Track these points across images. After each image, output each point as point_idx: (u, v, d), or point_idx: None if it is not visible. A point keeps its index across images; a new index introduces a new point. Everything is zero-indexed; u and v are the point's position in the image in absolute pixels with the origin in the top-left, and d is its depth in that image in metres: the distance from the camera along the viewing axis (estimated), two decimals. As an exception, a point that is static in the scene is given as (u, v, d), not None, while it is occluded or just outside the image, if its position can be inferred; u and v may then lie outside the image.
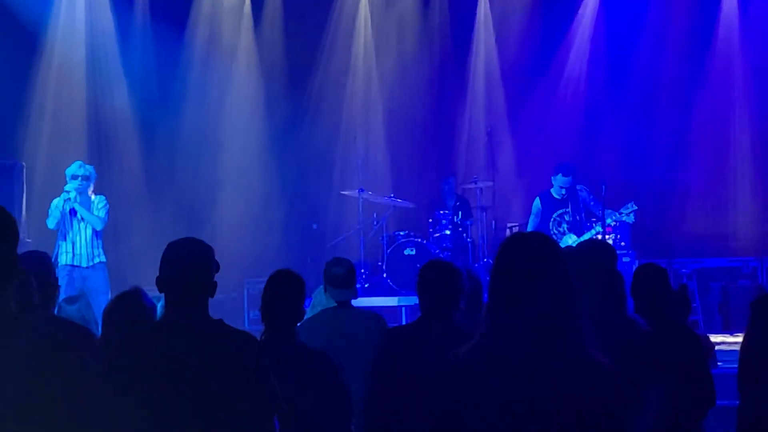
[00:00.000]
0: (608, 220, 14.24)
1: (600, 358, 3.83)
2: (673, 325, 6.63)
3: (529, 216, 14.88)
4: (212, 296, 4.88)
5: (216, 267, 4.92)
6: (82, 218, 12.73)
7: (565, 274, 3.90)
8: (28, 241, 13.49)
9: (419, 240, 15.55)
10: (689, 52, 17.96)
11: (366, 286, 15.43)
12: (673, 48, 17.95)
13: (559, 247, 4.05)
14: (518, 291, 3.85)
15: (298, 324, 6.32)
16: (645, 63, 18.02)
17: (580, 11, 18.64)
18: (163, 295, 4.92)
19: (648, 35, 18.08)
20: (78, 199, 12.67)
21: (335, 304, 7.65)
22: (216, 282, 4.90)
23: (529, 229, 14.50)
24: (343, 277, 7.70)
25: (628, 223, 14.55)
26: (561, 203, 14.39)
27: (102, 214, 12.86)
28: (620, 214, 14.28)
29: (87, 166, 12.93)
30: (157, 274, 4.85)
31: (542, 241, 4.00)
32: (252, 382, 4.70)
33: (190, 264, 4.84)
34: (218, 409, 4.60)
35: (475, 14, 18.98)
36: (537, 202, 14.63)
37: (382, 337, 6.63)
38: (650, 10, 18.11)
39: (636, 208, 14.31)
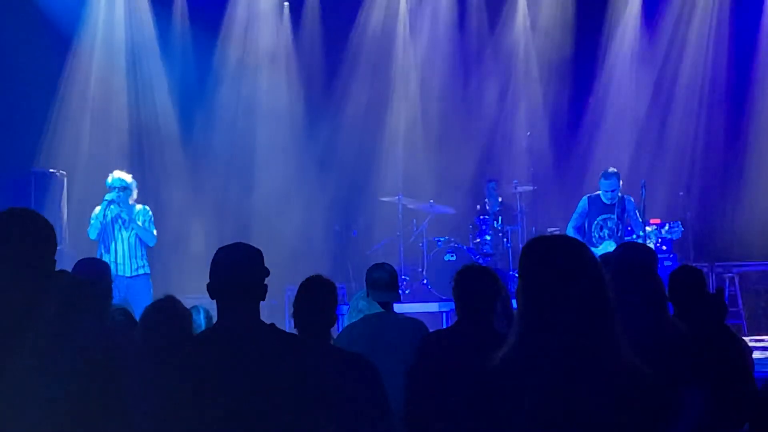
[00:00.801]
0: (651, 238, 14.20)
1: (636, 362, 3.80)
2: (713, 327, 6.57)
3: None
4: (263, 300, 4.89)
5: (266, 271, 4.93)
6: (133, 228, 12.73)
7: (598, 276, 3.87)
8: (66, 250, 13.54)
9: (459, 246, 15.52)
10: (736, 54, 17.91)
11: (407, 292, 15.41)
12: (721, 49, 17.92)
13: (588, 248, 4.02)
14: (550, 295, 3.83)
15: (340, 329, 6.33)
16: (693, 61, 17.97)
17: (623, 8, 18.54)
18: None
19: (693, 35, 18.05)
20: (124, 214, 12.67)
21: (377, 310, 7.67)
22: (266, 285, 4.91)
23: (569, 226, 14.47)
24: (386, 281, 7.73)
25: (671, 239, 14.53)
26: (608, 208, 14.29)
27: (150, 227, 12.86)
28: (665, 230, 14.30)
29: (126, 176, 12.91)
30: (207, 280, 4.85)
31: (570, 243, 3.99)
32: (319, 389, 4.71)
33: (240, 268, 4.84)
34: (280, 413, 4.60)
35: (514, 16, 18.95)
36: (584, 201, 14.55)
37: (420, 342, 6.62)
38: (695, 7, 18.06)
39: (683, 229, 14.29)
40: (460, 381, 4.83)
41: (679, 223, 14.44)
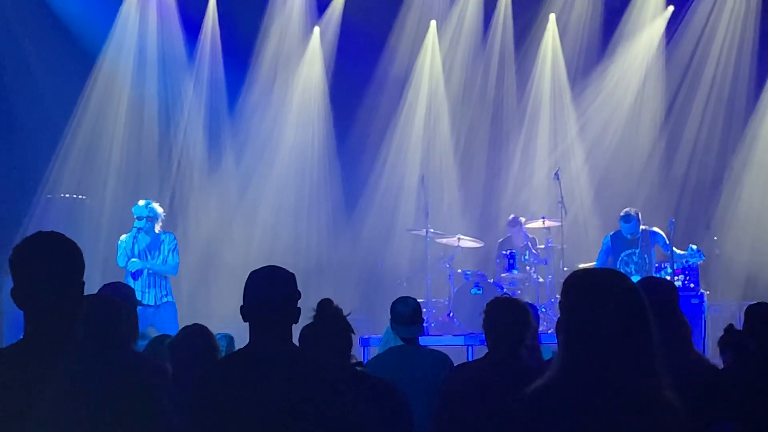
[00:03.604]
0: (675, 264, 14.18)
1: (675, 401, 3.75)
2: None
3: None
4: (296, 323, 4.87)
5: (299, 294, 4.89)
6: (151, 268, 12.78)
7: (641, 311, 3.82)
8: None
9: (486, 279, 15.47)
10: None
11: (433, 325, 15.36)
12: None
13: (631, 282, 3.95)
14: (593, 328, 3.78)
15: (365, 361, 6.28)
16: (722, 90, 17.96)
17: (650, 41, 18.55)
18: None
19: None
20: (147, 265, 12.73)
21: (401, 342, 7.63)
22: (299, 309, 4.88)
23: (596, 266, 14.46)
24: (409, 316, 7.72)
25: (696, 264, 14.46)
26: (631, 244, 14.45)
27: (173, 258, 12.90)
28: (686, 260, 14.29)
29: (153, 205, 12.95)
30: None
31: (614, 276, 3.93)
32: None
33: (274, 291, 4.82)
34: None
35: (539, 47, 19.02)
36: (607, 239, 14.77)
37: (449, 374, 6.58)
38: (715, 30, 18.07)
39: (697, 249, 14.28)
40: (489, 412, 4.78)
41: (691, 245, 14.43)
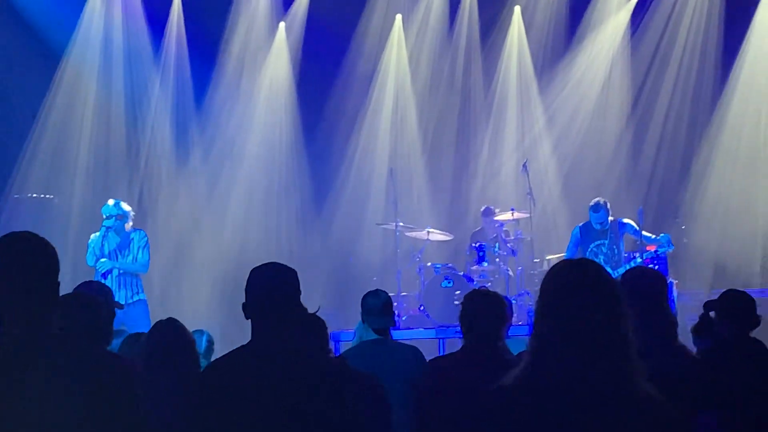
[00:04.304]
0: (644, 255, 14.23)
1: (652, 391, 3.77)
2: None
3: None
4: (299, 320, 4.87)
5: (300, 291, 4.88)
6: (120, 268, 12.74)
7: (616, 302, 3.84)
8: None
9: (456, 272, 15.48)
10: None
11: (404, 318, 15.37)
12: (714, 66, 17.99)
13: (608, 273, 3.97)
14: (568, 317, 3.79)
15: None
16: (688, 79, 18.04)
17: (615, 32, 18.60)
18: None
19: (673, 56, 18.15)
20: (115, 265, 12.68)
21: (373, 336, 7.66)
22: (303, 306, 4.89)
23: (566, 258, 14.50)
24: (380, 308, 7.76)
25: (665, 253, 14.51)
26: (600, 235, 14.46)
27: (142, 255, 12.86)
28: (657, 248, 14.33)
29: (122, 204, 12.90)
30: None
31: (594, 267, 3.94)
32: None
33: (277, 288, 4.81)
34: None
35: (505, 40, 19.07)
36: (576, 231, 14.79)
37: (426, 368, 6.60)
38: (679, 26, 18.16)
39: (668, 239, 14.33)
40: (467, 405, 4.78)
41: (664, 234, 14.48)
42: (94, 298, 5.94)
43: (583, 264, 3.98)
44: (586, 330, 3.75)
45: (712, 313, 6.74)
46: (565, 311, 3.81)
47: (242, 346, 4.84)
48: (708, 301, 6.75)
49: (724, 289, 6.93)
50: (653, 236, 14.52)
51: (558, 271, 3.96)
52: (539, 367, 3.81)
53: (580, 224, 14.80)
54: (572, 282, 3.88)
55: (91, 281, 7.40)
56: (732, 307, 6.63)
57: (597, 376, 3.72)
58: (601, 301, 3.81)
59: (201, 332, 7.57)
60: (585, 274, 3.90)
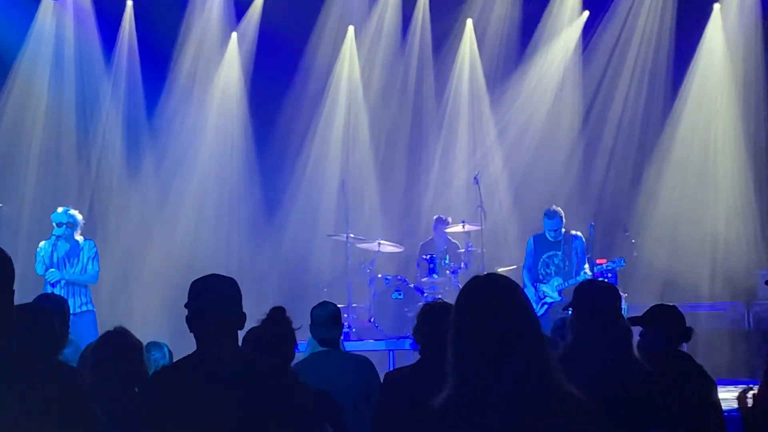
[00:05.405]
0: (595, 268, 14.31)
1: (573, 392, 3.85)
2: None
3: (522, 259, 14.95)
4: (241, 328, 4.88)
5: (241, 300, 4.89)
6: (68, 279, 12.65)
7: (527, 312, 3.96)
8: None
9: (407, 284, 15.48)
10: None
11: (354, 330, 15.36)
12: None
13: (518, 285, 4.08)
14: (480, 331, 3.89)
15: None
16: (638, 93, 18.15)
17: (567, 46, 18.70)
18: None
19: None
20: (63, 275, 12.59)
21: (322, 348, 7.69)
22: (245, 314, 4.88)
23: (523, 267, 14.58)
24: (326, 319, 7.81)
25: (616, 268, 14.59)
26: (553, 245, 14.46)
27: (92, 266, 12.78)
28: (607, 265, 14.44)
29: (72, 212, 12.82)
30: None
31: (500, 281, 4.07)
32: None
33: (218, 298, 4.81)
34: None
35: (457, 52, 19.11)
36: (530, 242, 14.79)
37: (384, 379, 6.59)
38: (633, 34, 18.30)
39: (624, 265, 14.42)
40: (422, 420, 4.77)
41: (623, 259, 14.57)
42: (44, 308, 5.91)
43: (489, 277, 4.06)
44: (500, 339, 3.84)
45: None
46: (477, 323, 3.91)
47: (185, 357, 4.84)
48: (632, 317, 6.72)
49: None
50: (600, 263, 14.61)
51: (466, 287, 4.09)
52: (462, 386, 3.88)
53: (535, 235, 14.80)
54: (481, 295, 4.01)
55: (48, 294, 7.37)
56: (659, 321, 6.63)
57: (521, 388, 3.80)
58: (512, 307, 3.93)
59: (159, 345, 7.55)
60: (492, 286, 4.04)
